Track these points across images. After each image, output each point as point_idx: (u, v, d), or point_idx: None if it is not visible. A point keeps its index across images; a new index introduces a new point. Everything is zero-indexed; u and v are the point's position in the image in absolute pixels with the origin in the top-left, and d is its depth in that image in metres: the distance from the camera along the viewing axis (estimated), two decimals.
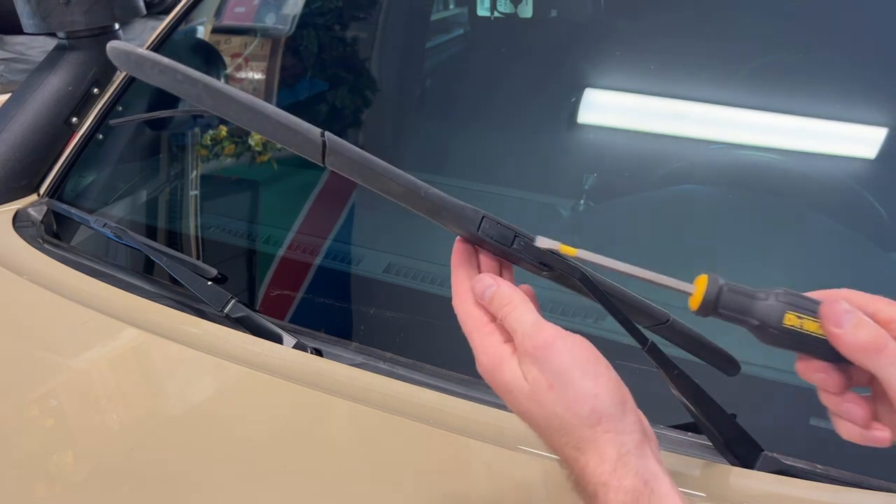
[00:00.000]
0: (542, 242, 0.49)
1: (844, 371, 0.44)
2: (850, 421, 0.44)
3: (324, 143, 0.48)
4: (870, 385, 0.45)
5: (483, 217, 0.50)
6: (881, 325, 0.41)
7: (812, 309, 0.43)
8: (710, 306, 0.45)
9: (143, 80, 0.51)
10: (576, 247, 0.48)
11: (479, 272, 0.52)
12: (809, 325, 0.43)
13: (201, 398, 0.79)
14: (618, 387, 0.45)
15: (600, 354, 0.46)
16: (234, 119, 0.50)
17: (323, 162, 0.49)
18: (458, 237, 0.53)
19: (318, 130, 0.49)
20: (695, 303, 0.46)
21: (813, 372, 0.45)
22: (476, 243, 0.52)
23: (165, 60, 0.50)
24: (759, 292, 0.45)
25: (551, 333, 0.45)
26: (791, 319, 0.43)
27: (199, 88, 0.49)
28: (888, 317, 0.42)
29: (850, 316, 0.41)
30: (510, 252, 0.50)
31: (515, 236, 0.50)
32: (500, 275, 0.53)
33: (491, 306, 0.49)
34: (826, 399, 0.45)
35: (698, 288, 0.46)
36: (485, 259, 0.53)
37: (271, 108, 0.49)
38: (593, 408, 0.43)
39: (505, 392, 0.47)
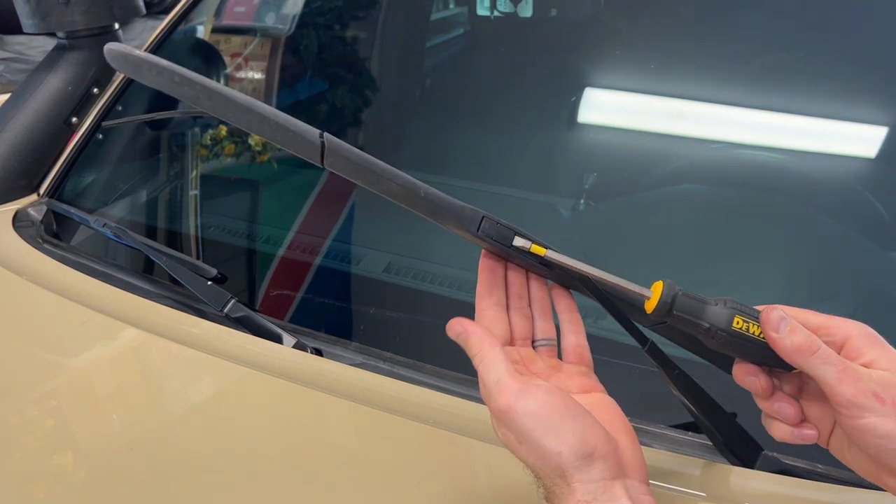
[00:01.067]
0: (516, 241, 0.49)
1: (775, 376, 0.49)
2: (783, 420, 0.48)
3: (322, 144, 0.48)
4: (798, 394, 0.49)
5: (483, 217, 0.50)
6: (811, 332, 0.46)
7: (755, 316, 0.47)
8: (666, 309, 0.48)
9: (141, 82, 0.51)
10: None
11: (507, 284, 0.54)
12: (753, 329, 0.47)
13: (201, 398, 0.79)
14: (583, 439, 0.45)
15: (568, 403, 0.46)
16: (232, 121, 0.50)
17: (322, 163, 0.49)
18: (483, 251, 0.53)
19: (316, 131, 0.49)
20: (650, 306, 0.48)
21: (745, 375, 0.49)
22: (477, 244, 0.52)
23: (163, 62, 0.50)
24: (710, 299, 0.48)
25: (512, 394, 0.45)
26: (739, 322, 0.47)
27: (197, 90, 0.49)
28: (817, 324, 0.46)
29: (786, 322, 0.46)
30: (510, 252, 0.50)
31: (515, 236, 0.50)
32: (528, 283, 0.54)
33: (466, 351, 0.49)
34: (760, 402, 0.49)
35: (655, 293, 0.48)
36: (512, 270, 0.54)
37: (269, 110, 0.49)
38: (557, 465, 0.44)
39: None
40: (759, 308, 0.48)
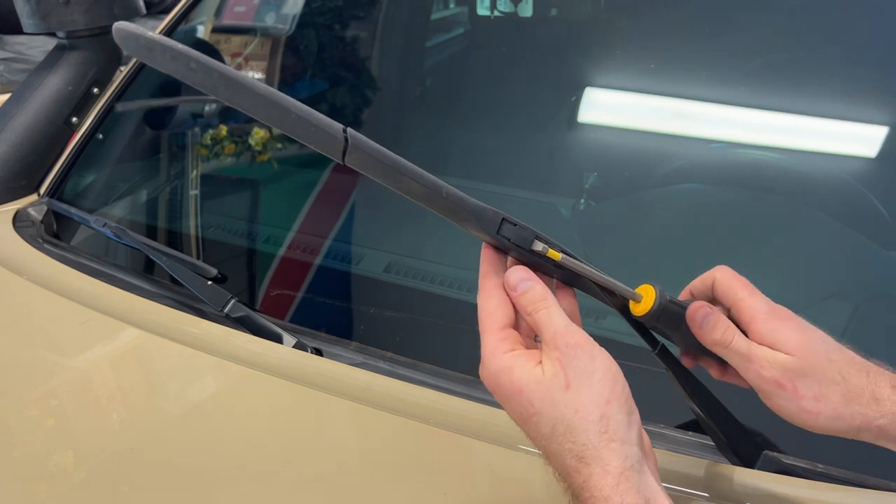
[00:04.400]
0: (535, 246, 0.49)
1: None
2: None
3: (346, 139, 0.46)
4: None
5: (503, 219, 0.49)
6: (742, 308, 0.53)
7: (683, 307, 0.53)
8: (656, 317, 0.52)
9: (153, 68, 0.47)
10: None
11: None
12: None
13: (201, 398, 0.78)
14: (629, 400, 0.46)
15: (620, 371, 0.47)
16: (250, 112, 0.46)
17: (343, 159, 0.46)
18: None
19: (339, 126, 0.46)
20: (641, 310, 0.52)
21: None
22: (496, 245, 0.52)
23: (179, 46, 0.45)
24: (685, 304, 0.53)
25: (585, 337, 0.47)
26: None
27: (214, 78, 0.45)
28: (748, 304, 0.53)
29: (708, 319, 0.52)
30: (527, 254, 0.50)
31: (535, 238, 0.49)
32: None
33: (521, 299, 0.49)
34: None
35: (645, 296, 0.52)
36: (513, 264, 0.53)
37: (291, 102, 0.45)
38: (604, 413, 0.44)
39: (513, 393, 0.46)
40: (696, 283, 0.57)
